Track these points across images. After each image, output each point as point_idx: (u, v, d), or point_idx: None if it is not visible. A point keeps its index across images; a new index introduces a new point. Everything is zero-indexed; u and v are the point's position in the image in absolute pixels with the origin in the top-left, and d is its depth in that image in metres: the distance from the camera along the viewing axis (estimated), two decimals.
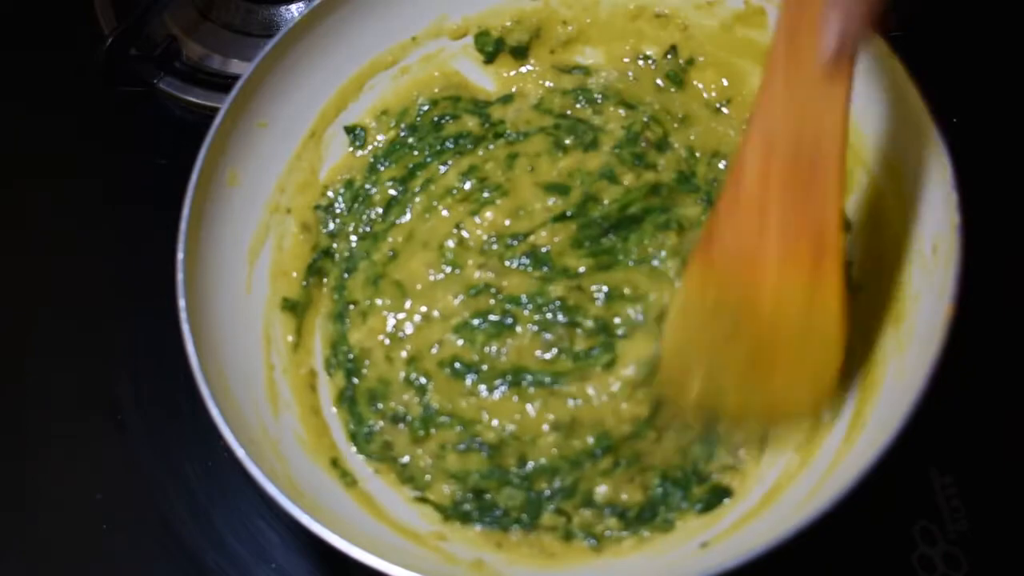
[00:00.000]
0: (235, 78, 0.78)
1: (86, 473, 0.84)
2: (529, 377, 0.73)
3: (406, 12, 0.85)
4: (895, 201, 0.72)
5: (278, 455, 0.70)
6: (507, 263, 0.78)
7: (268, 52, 0.78)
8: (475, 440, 0.73)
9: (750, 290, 0.63)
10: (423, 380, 0.75)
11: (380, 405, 0.76)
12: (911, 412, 0.60)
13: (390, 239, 0.81)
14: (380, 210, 0.83)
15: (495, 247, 0.79)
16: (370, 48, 0.85)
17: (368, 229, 0.82)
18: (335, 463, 0.74)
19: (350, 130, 0.85)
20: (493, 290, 0.77)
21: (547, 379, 0.73)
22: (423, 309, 0.77)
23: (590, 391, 0.72)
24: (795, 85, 0.58)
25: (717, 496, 0.70)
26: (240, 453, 0.65)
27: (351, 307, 0.79)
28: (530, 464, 0.71)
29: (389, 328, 0.77)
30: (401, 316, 0.77)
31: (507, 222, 0.79)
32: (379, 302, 0.78)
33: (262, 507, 0.80)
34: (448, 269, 0.78)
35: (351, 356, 0.78)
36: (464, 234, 0.79)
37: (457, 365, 0.75)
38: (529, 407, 0.73)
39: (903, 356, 0.66)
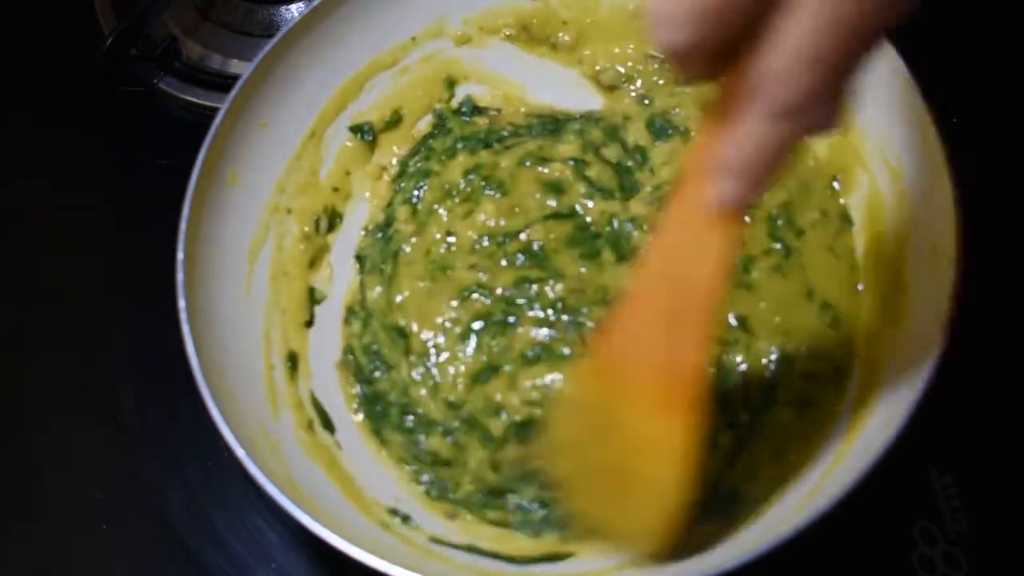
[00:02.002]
0: (235, 78, 0.78)
1: (86, 473, 0.84)
2: (555, 352, 0.73)
3: (406, 12, 0.85)
4: (895, 201, 0.72)
5: (278, 455, 0.70)
6: (501, 262, 0.78)
7: (268, 52, 0.78)
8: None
9: (616, 402, 0.59)
10: (463, 405, 0.74)
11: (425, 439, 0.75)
12: (911, 412, 0.60)
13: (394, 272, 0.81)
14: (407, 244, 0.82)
15: (486, 245, 0.78)
16: (370, 48, 0.85)
17: (385, 267, 0.81)
18: (335, 464, 0.74)
19: (356, 128, 0.85)
20: (485, 291, 0.76)
21: (565, 351, 0.73)
22: (430, 339, 0.76)
23: None
24: (683, 223, 0.53)
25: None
26: (240, 453, 0.64)
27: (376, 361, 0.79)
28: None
29: (417, 376, 0.76)
30: (414, 359, 0.77)
31: (502, 222, 0.79)
32: (391, 352, 0.78)
33: (262, 507, 0.80)
34: (441, 276, 0.78)
35: (394, 401, 0.77)
36: (452, 240, 0.79)
37: (482, 377, 0.74)
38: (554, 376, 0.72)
39: (903, 356, 0.66)
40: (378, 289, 0.80)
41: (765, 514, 0.66)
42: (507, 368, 0.74)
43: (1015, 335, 0.81)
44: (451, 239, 0.79)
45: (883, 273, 0.72)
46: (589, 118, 0.85)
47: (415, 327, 0.77)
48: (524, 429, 0.72)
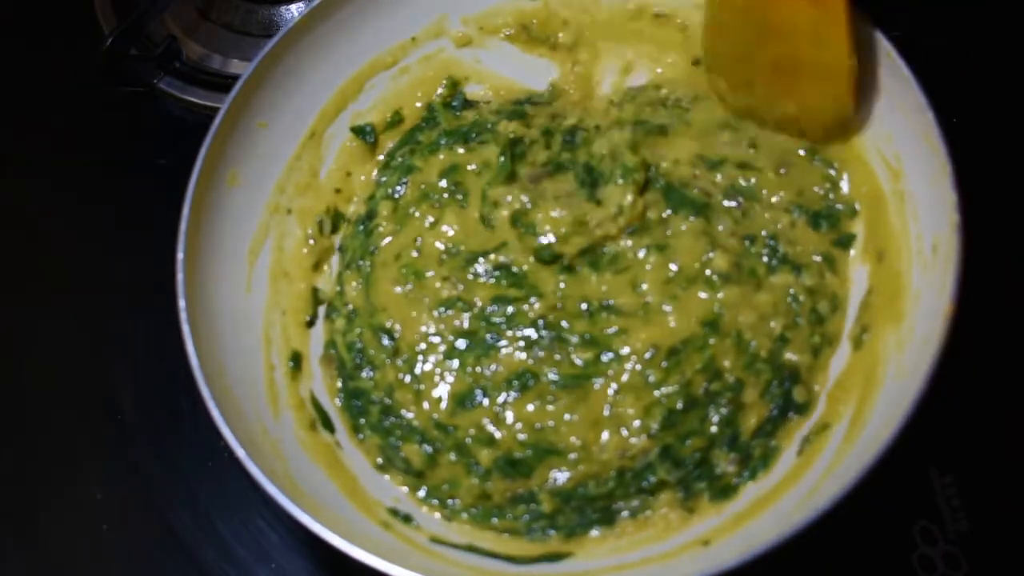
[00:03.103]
0: (235, 78, 0.78)
1: (86, 473, 0.84)
2: (541, 378, 0.73)
3: (406, 12, 0.85)
4: (895, 201, 0.72)
5: (278, 455, 0.70)
6: (471, 275, 0.77)
7: (268, 52, 0.78)
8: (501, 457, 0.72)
9: (769, 7, 0.72)
10: (450, 429, 0.74)
11: (416, 447, 0.74)
12: (911, 412, 0.60)
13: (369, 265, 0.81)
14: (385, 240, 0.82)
15: (456, 256, 0.78)
16: (370, 48, 0.85)
17: (363, 263, 0.81)
18: (336, 463, 0.74)
19: (358, 130, 0.85)
20: (464, 305, 0.76)
21: (551, 375, 0.73)
22: (416, 346, 0.76)
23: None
24: None
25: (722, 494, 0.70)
26: (240, 453, 0.65)
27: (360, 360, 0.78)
28: (552, 480, 0.71)
29: (405, 379, 0.76)
30: (400, 363, 0.76)
31: (470, 237, 0.78)
32: (376, 354, 0.77)
33: (262, 507, 0.80)
34: (416, 282, 0.78)
35: (376, 401, 0.76)
36: (420, 244, 0.79)
37: (467, 403, 0.74)
38: (550, 407, 0.72)
39: (903, 356, 0.66)
40: (355, 285, 0.80)
41: (765, 514, 0.66)
42: (493, 395, 0.73)
43: (1015, 335, 0.81)
44: (420, 242, 0.79)
45: (883, 272, 0.72)
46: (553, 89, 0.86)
47: (399, 330, 0.76)
48: (511, 466, 0.71)
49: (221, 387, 0.68)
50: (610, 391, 0.71)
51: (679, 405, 0.70)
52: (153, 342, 0.86)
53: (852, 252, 0.75)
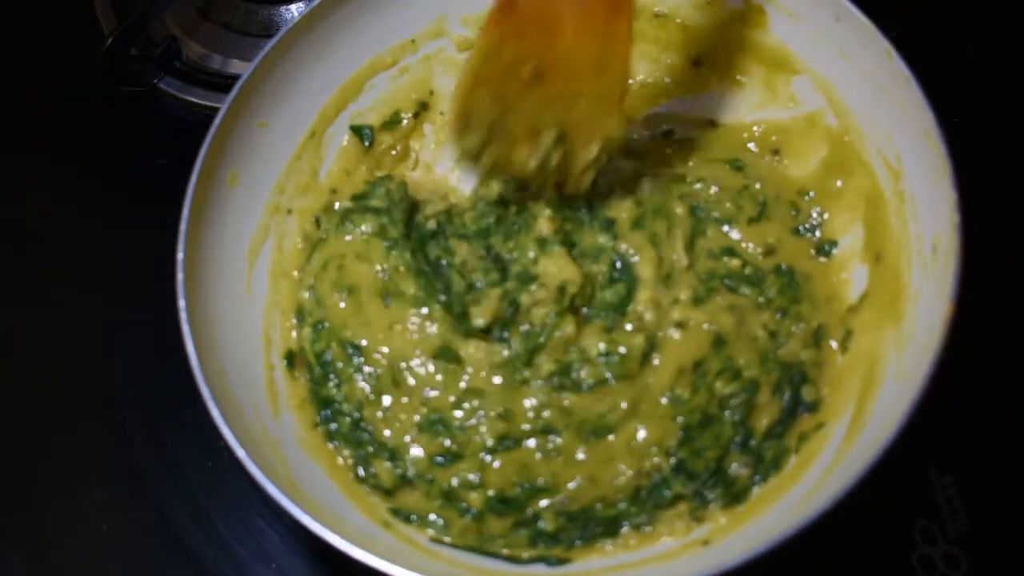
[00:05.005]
0: (235, 78, 0.78)
1: (86, 473, 0.84)
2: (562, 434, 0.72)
3: (406, 13, 0.85)
4: (895, 201, 0.72)
5: (278, 455, 0.70)
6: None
7: (268, 52, 0.78)
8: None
9: (548, 38, 0.70)
10: (428, 477, 0.72)
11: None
12: (911, 412, 0.60)
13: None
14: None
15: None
16: (370, 48, 0.85)
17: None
18: (337, 462, 0.74)
19: (357, 129, 0.85)
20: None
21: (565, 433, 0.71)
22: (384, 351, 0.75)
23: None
24: None
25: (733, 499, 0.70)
26: (240, 453, 0.64)
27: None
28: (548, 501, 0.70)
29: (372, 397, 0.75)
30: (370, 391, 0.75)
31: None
32: (344, 368, 0.76)
33: (262, 507, 0.80)
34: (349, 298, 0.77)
35: (347, 412, 0.75)
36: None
37: (443, 461, 0.72)
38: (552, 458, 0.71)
39: (903, 356, 0.66)
40: (308, 284, 0.79)
41: (765, 514, 0.66)
42: (473, 457, 0.71)
43: (1015, 335, 0.81)
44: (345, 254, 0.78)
45: (883, 272, 0.72)
46: None
47: (363, 346, 0.75)
48: (504, 504, 0.70)
49: (221, 387, 0.68)
50: (631, 426, 0.71)
51: (697, 420, 0.70)
52: (153, 342, 0.86)
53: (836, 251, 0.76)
